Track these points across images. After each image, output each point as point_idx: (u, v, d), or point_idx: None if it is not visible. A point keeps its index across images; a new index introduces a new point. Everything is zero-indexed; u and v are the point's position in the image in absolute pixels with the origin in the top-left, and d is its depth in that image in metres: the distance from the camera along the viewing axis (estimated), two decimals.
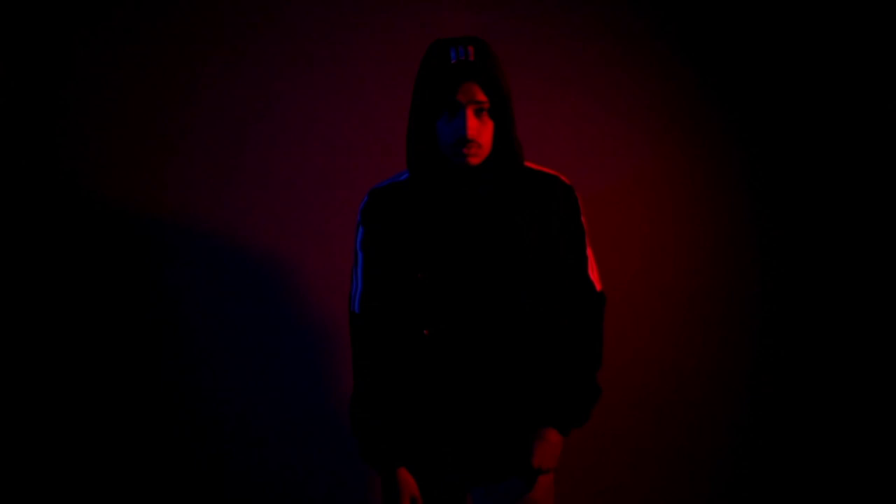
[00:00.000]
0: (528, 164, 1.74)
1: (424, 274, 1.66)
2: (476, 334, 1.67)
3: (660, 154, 2.60)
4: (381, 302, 1.71)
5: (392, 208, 1.71)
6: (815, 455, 2.63)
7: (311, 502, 2.50)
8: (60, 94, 2.35)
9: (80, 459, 2.38)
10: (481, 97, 1.57)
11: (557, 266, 1.72)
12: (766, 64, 2.61)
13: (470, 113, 1.57)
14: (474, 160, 1.60)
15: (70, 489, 2.38)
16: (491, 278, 1.66)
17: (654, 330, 2.60)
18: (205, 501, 2.45)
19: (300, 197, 2.45)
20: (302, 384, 2.48)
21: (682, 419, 2.62)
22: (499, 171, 1.66)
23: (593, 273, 1.75)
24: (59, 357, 2.36)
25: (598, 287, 1.76)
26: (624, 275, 2.55)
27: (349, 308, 1.76)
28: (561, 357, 1.74)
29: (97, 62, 2.37)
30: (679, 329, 2.61)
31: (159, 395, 2.42)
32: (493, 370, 1.69)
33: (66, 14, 2.34)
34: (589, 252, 1.75)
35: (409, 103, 1.69)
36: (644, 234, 2.59)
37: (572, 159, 2.50)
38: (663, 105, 2.59)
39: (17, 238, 2.34)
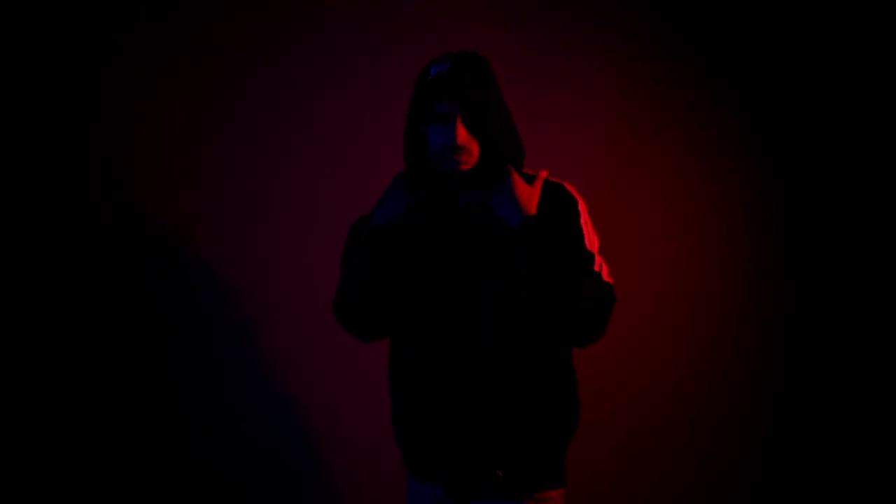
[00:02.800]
0: (527, 171, 1.80)
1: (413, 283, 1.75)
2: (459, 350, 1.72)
3: (668, 158, 2.63)
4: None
5: None
6: (826, 458, 2.64)
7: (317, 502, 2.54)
8: (82, 101, 2.41)
9: (91, 457, 2.42)
10: (461, 109, 1.68)
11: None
12: (782, 69, 2.63)
13: (458, 121, 1.68)
14: (465, 166, 1.70)
15: (76, 488, 2.41)
16: (476, 287, 1.71)
17: (661, 334, 2.63)
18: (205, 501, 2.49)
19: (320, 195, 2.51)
20: (313, 384, 2.51)
21: (687, 422, 2.64)
22: (488, 179, 1.73)
23: (602, 270, 1.74)
24: (64, 357, 2.41)
25: (607, 278, 1.75)
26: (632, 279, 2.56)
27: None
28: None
29: (118, 67, 2.43)
30: (687, 332, 2.64)
31: (166, 396, 2.46)
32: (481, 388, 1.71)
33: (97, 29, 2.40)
34: (596, 254, 1.74)
35: None
36: (652, 239, 2.62)
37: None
38: (680, 112, 2.63)
39: (37, 240, 2.40)
